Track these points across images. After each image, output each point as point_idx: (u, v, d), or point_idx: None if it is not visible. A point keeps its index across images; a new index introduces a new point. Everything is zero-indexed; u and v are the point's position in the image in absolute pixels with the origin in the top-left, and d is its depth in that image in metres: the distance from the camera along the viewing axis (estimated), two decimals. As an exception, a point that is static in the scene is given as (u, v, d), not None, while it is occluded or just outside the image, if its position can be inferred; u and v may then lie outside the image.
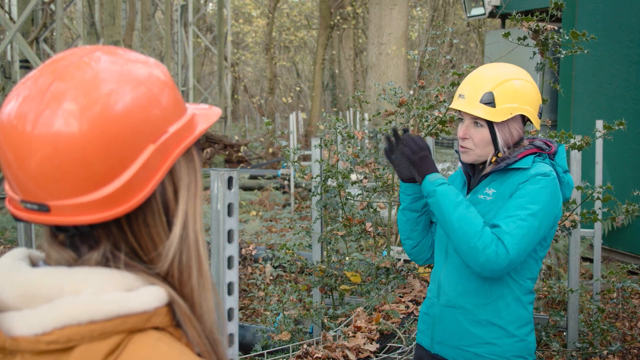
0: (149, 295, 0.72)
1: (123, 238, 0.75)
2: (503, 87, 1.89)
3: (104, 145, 0.69)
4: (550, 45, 3.23)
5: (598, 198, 3.60)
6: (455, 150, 2.07)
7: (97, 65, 0.73)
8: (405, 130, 2.01)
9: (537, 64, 3.33)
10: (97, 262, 0.74)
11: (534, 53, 3.30)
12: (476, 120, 1.92)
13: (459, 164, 2.09)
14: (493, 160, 1.94)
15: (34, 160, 0.69)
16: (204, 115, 0.82)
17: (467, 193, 2.02)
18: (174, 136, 0.75)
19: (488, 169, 1.97)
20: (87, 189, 0.70)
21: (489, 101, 1.88)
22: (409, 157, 1.95)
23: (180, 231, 0.77)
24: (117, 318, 0.69)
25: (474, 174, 2.03)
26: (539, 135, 2.83)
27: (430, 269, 4.16)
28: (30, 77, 0.72)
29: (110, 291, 0.70)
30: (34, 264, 0.78)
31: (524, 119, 1.96)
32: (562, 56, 3.25)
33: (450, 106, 2.01)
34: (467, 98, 1.92)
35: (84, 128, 0.69)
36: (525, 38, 3.24)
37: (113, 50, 0.76)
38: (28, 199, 0.72)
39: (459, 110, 1.98)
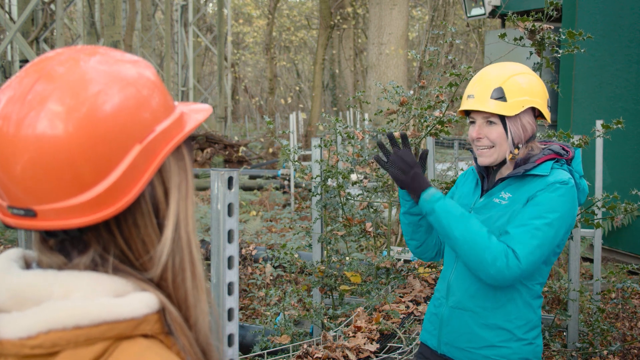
0: (138, 302, 0.70)
1: (113, 241, 0.73)
2: (511, 82, 1.90)
3: (90, 147, 0.67)
4: (547, 44, 3.24)
5: (603, 206, 3.60)
6: (470, 150, 2.04)
7: (85, 65, 0.70)
8: (404, 137, 1.98)
9: (534, 63, 3.34)
10: (86, 266, 0.72)
11: (531, 53, 3.31)
12: (489, 119, 1.90)
13: (473, 164, 2.06)
14: (509, 157, 1.91)
15: (19, 163, 0.67)
16: (194, 114, 0.80)
17: (481, 195, 1.99)
18: (162, 135, 0.73)
19: (505, 172, 1.95)
20: (73, 191, 0.68)
21: (500, 96, 1.88)
22: (398, 178, 1.93)
23: (172, 233, 0.75)
24: (103, 324, 0.67)
25: (487, 175, 2.00)
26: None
27: (430, 269, 4.16)
28: (15, 78, 0.70)
29: (98, 296, 0.69)
30: (28, 265, 0.76)
31: (535, 114, 1.95)
32: (559, 55, 3.25)
33: (461, 108, 1.98)
34: (477, 97, 1.91)
35: (70, 130, 0.67)
36: (521, 38, 3.24)
37: (102, 50, 0.74)
38: (14, 204, 0.70)
39: (469, 113, 1.97)
